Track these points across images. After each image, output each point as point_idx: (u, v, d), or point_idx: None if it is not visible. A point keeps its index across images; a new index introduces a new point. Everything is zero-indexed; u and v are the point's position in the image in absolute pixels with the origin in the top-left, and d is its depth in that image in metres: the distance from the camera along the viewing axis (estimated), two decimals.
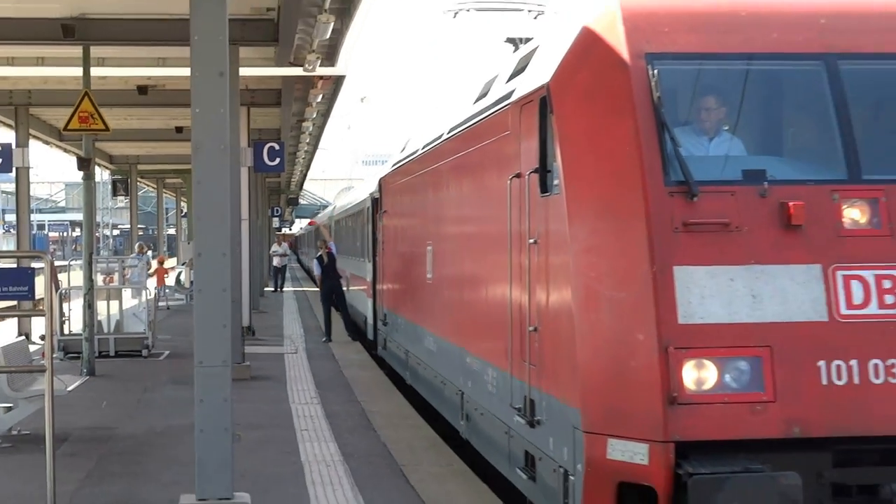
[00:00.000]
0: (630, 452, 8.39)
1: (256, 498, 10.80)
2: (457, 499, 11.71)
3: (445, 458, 14.00)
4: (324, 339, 29.45)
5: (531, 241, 10.21)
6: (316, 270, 32.58)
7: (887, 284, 8.58)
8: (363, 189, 33.32)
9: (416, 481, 12.55)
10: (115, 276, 29.21)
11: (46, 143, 37.02)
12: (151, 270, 38.11)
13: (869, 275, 8.61)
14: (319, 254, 31.46)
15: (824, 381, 8.34)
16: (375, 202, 25.85)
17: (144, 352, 25.28)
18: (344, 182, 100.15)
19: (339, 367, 23.76)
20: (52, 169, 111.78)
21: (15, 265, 15.07)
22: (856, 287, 8.57)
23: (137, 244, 43.24)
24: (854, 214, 8.77)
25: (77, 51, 20.98)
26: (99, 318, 24.53)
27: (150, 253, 46.39)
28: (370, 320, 27.27)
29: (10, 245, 73.21)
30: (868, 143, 9.03)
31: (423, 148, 18.01)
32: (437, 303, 16.28)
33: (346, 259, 34.99)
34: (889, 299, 8.56)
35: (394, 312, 22.19)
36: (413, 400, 18.93)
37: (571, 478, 8.99)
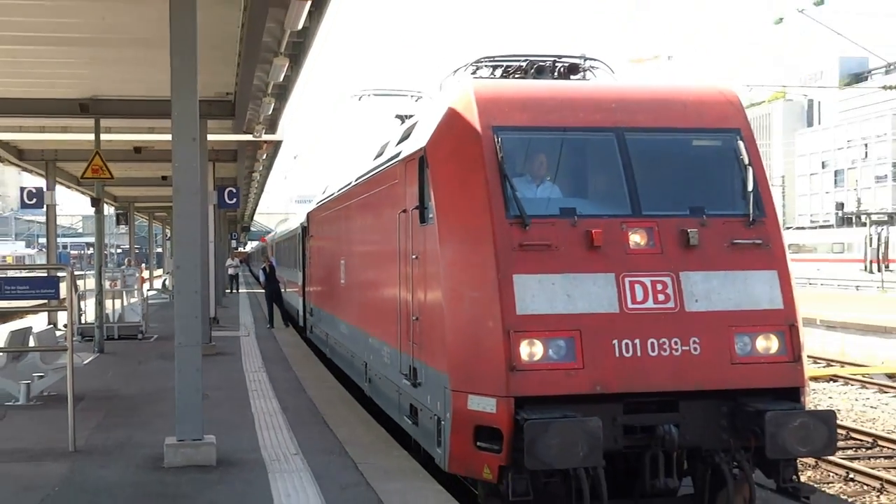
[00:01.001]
0: (483, 404, 8.35)
1: (220, 439, 10.58)
2: (362, 438, 11.58)
3: (354, 409, 13.85)
4: (268, 326, 29.05)
5: (414, 256, 10.14)
6: (261, 278, 32.53)
7: (659, 287, 8.66)
8: (296, 220, 33.04)
9: (333, 426, 12.39)
10: (118, 282, 28.62)
11: (68, 187, 36.27)
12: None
13: (647, 280, 8.67)
14: (263, 265, 31.55)
15: (617, 354, 8.38)
16: (304, 229, 25.61)
17: (139, 336, 24.75)
18: (282, 215, 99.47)
19: (279, 345, 23.48)
20: (72, 205, 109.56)
21: (45, 274, 14.73)
22: (638, 289, 8.62)
23: (126, 259, 42.53)
24: (636, 238, 8.84)
25: (90, 122, 20.58)
26: (106, 311, 24.08)
27: (143, 265, 45.64)
28: (301, 312, 26.98)
29: (42, 260, 71.73)
30: (645, 189, 9.11)
31: (338, 191, 17.88)
32: (349, 300, 16.14)
33: (285, 269, 34.62)
34: (661, 297, 8.63)
35: (318, 307, 22.00)
36: (331, 369, 18.76)
37: (442, 423, 8.93)
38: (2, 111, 20.40)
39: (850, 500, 13.11)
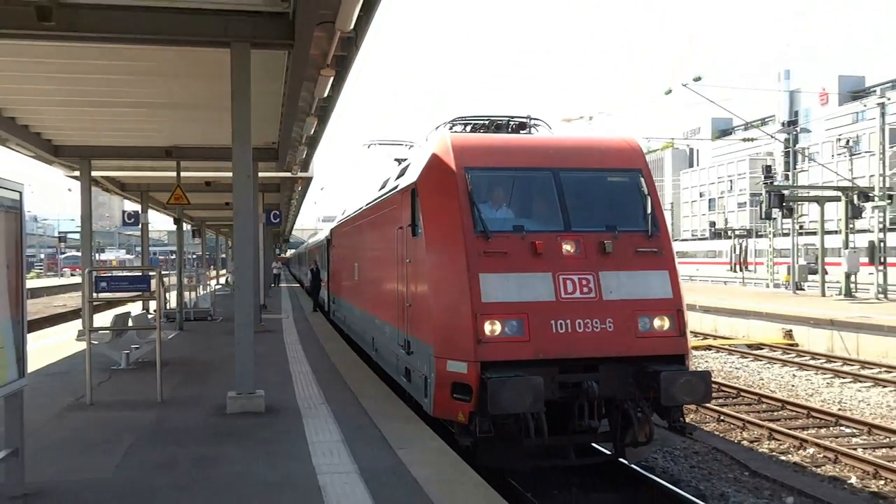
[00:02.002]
0: (458, 367, 8.32)
1: (267, 393, 10.55)
2: (369, 391, 11.55)
3: (364, 371, 13.81)
4: (313, 310, 28.79)
5: (408, 260, 10.11)
6: (308, 275, 32.27)
7: (584, 282, 8.65)
8: (322, 234, 32.94)
9: (349, 382, 12.36)
10: (193, 279, 28.42)
11: (157, 210, 35.79)
12: None
13: (575, 277, 8.67)
14: (311, 267, 31.26)
15: (554, 331, 8.37)
16: (329, 241, 25.51)
17: (209, 318, 24.65)
18: (312, 230, 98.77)
19: (310, 326, 23.36)
20: (160, 223, 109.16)
21: (140, 273, 14.64)
22: (569, 284, 8.62)
23: (199, 262, 42.15)
24: (568, 247, 8.84)
25: (173, 163, 20.44)
26: (184, 300, 23.92)
27: (211, 267, 45.31)
28: (326, 301, 26.86)
29: (137, 263, 71.25)
30: (574, 212, 9.10)
31: (353, 212, 17.82)
32: (361, 292, 16.07)
33: None
34: (585, 290, 8.61)
35: (338, 297, 21.88)
36: (348, 342, 18.68)
37: (428, 380, 8.88)
38: (110, 155, 20.29)
39: (721, 435, 13.16)
